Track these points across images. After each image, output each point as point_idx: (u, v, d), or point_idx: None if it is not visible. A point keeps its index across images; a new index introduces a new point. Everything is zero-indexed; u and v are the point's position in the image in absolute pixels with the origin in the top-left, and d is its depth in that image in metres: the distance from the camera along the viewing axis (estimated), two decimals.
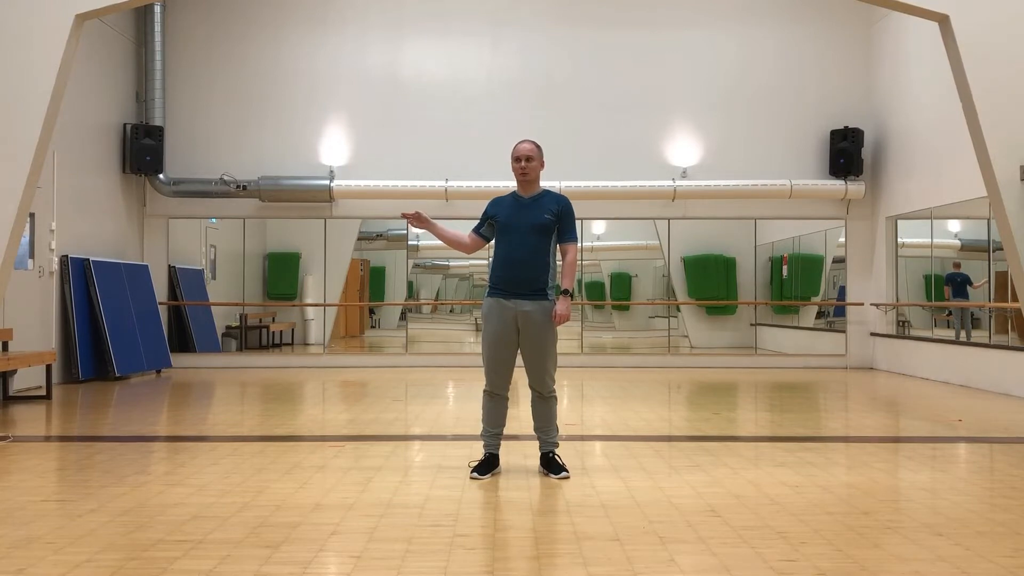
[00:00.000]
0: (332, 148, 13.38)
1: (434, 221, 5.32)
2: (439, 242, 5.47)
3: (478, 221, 5.38)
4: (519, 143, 5.31)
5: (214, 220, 14.04)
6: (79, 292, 10.99)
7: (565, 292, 5.16)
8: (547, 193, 5.30)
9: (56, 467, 5.72)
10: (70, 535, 3.94)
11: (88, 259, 11.17)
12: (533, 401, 5.30)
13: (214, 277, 14.48)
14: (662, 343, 14.95)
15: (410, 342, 14.01)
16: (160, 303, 12.89)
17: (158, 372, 12.10)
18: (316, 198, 13.08)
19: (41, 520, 4.21)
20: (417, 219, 5.24)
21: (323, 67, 13.47)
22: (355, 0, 13.52)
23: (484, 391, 5.29)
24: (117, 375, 11.03)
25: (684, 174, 13.32)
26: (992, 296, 10.75)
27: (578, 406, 8.85)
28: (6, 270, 6.85)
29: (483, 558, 3.64)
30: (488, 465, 5.25)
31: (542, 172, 5.34)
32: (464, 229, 5.49)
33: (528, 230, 5.14)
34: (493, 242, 5.36)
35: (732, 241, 14.44)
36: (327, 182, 12.99)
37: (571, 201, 5.38)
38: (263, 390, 10.36)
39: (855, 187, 13.11)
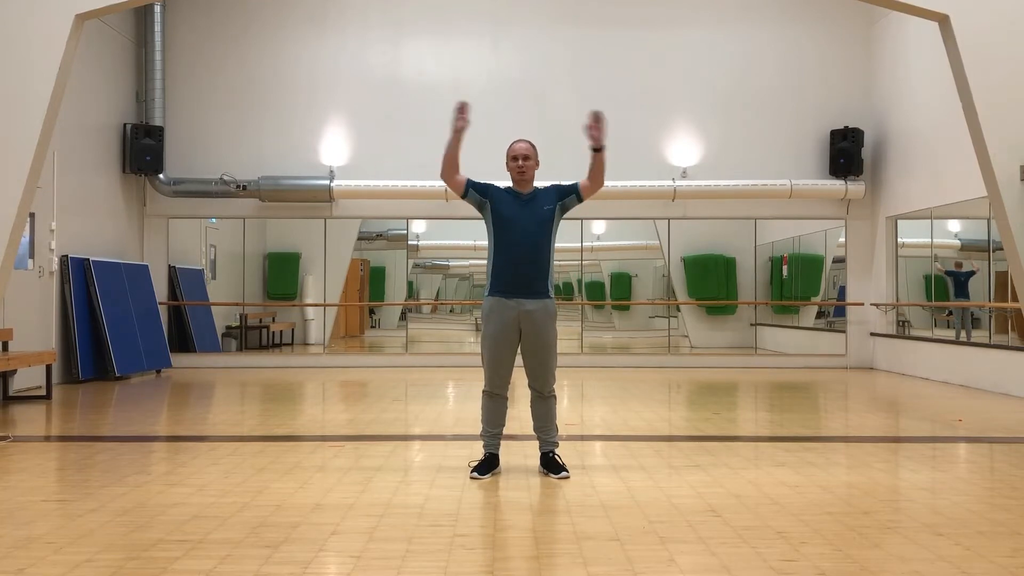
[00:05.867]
0: (332, 148, 13.37)
1: (460, 140, 5.19)
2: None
3: (477, 181, 5.27)
4: (515, 142, 5.32)
5: (214, 220, 14.04)
6: (79, 292, 10.98)
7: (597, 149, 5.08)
8: (539, 189, 5.30)
9: (56, 467, 5.72)
10: (70, 535, 3.94)
11: (88, 259, 11.17)
12: (533, 401, 5.30)
13: (214, 277, 14.48)
14: (662, 343, 14.95)
15: (410, 342, 14.01)
16: (160, 303, 12.88)
17: (158, 372, 12.10)
18: (316, 198, 13.07)
19: (41, 520, 4.21)
20: (463, 118, 5.14)
21: (323, 67, 13.47)
22: (355, 0, 13.53)
23: (483, 391, 5.28)
24: (117, 375, 11.03)
25: (684, 174, 13.32)
26: (992, 296, 10.75)
27: (578, 406, 8.85)
28: (6, 270, 6.85)
29: (483, 558, 3.65)
30: (488, 465, 5.25)
31: (537, 171, 5.34)
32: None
33: (531, 228, 5.13)
34: (490, 241, 5.33)
35: (732, 241, 14.45)
36: (327, 182, 12.99)
37: None
38: (263, 390, 10.36)
39: (855, 187, 13.10)
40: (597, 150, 5.11)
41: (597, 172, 5.16)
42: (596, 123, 5.08)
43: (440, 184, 12.67)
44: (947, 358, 11.32)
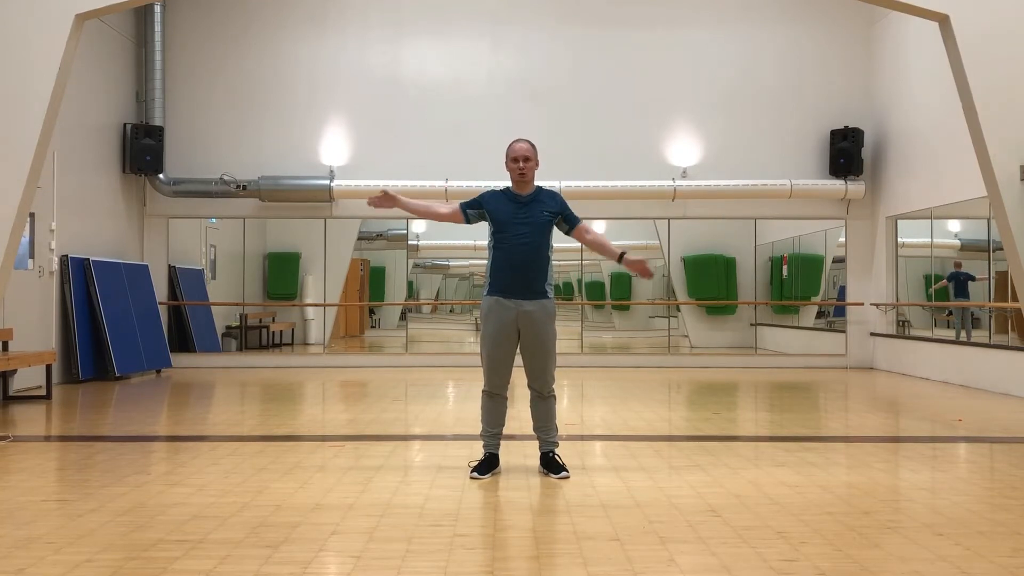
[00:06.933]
0: (332, 148, 13.37)
1: (400, 196, 5.28)
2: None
3: (468, 200, 5.33)
4: (515, 142, 5.30)
5: (214, 220, 14.04)
6: (79, 292, 10.98)
7: (623, 254, 5.26)
8: (541, 190, 5.30)
9: (56, 467, 5.72)
10: (70, 535, 3.94)
11: (88, 259, 11.16)
12: (532, 401, 5.30)
13: (214, 277, 14.48)
14: (662, 343, 14.95)
15: (410, 342, 14.01)
16: (160, 303, 12.88)
17: (158, 372, 12.09)
18: (316, 198, 13.07)
19: (41, 520, 4.21)
20: (386, 199, 5.24)
21: (323, 67, 13.47)
22: (355, 0, 13.53)
23: (483, 391, 5.28)
24: (117, 375, 11.03)
25: (684, 174, 13.32)
26: (992, 296, 10.75)
27: (578, 406, 8.85)
28: (6, 270, 6.85)
29: (483, 558, 3.65)
30: (488, 465, 5.25)
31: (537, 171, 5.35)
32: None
33: (530, 230, 5.13)
34: (490, 241, 5.33)
35: (732, 241, 14.45)
36: (327, 182, 12.99)
37: (571, 201, 5.47)
38: (263, 390, 10.36)
39: (855, 187, 13.10)
40: (619, 260, 5.30)
41: (592, 246, 5.49)
42: (642, 273, 5.30)
43: (441, 183, 12.73)
44: (947, 358, 11.32)
